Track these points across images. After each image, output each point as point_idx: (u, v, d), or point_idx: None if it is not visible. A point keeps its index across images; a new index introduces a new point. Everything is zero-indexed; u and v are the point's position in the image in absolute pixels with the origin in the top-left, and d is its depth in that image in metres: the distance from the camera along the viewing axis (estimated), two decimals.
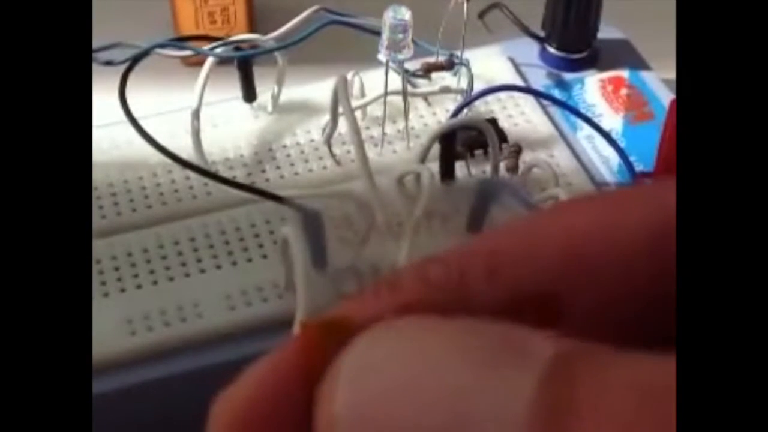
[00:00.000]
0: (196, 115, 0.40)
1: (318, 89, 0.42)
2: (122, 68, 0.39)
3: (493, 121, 0.40)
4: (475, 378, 0.13)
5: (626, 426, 0.12)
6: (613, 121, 0.42)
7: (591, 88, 0.44)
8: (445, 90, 0.42)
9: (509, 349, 0.13)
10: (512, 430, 0.13)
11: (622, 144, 0.40)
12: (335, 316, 0.15)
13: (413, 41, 0.38)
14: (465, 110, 0.40)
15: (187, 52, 0.41)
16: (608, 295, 0.15)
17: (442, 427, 0.13)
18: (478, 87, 0.41)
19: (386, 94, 0.39)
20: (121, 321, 0.34)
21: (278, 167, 0.40)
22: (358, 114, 0.40)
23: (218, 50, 0.40)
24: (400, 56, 0.38)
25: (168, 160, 0.37)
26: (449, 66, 0.41)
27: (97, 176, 0.39)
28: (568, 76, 0.45)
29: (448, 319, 0.14)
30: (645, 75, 0.44)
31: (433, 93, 0.42)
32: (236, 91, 0.42)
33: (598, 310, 0.15)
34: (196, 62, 0.43)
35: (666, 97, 0.43)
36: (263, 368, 0.16)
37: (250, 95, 0.42)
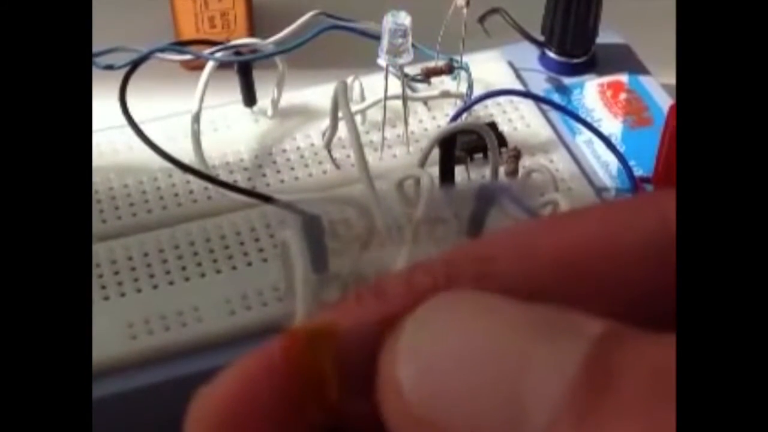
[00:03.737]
0: (196, 119, 0.40)
1: (318, 93, 0.42)
2: (122, 72, 0.39)
3: (493, 126, 0.40)
4: (529, 348, 0.14)
5: (649, 402, 0.13)
6: (612, 125, 0.42)
7: (590, 92, 0.44)
8: (445, 94, 0.42)
9: (561, 326, 0.14)
10: (559, 397, 0.13)
11: (622, 149, 0.40)
12: (321, 323, 0.15)
13: (413, 46, 0.38)
14: (464, 115, 0.41)
15: (187, 57, 0.41)
16: (602, 304, 0.15)
17: (498, 394, 0.14)
18: (477, 91, 0.41)
19: (386, 98, 0.39)
20: (122, 325, 0.34)
21: (278, 171, 0.40)
22: (357, 118, 0.40)
23: (218, 54, 0.40)
24: (400, 61, 0.38)
25: (168, 164, 0.37)
26: (449, 70, 0.41)
27: (97, 180, 0.39)
28: (567, 80, 0.45)
29: (501, 297, 0.15)
30: (644, 80, 0.44)
31: (432, 97, 0.42)
32: (236, 95, 0.42)
33: None
34: (196, 66, 0.43)
35: (665, 102, 0.43)
36: (242, 370, 0.16)
37: (250, 99, 0.42)
